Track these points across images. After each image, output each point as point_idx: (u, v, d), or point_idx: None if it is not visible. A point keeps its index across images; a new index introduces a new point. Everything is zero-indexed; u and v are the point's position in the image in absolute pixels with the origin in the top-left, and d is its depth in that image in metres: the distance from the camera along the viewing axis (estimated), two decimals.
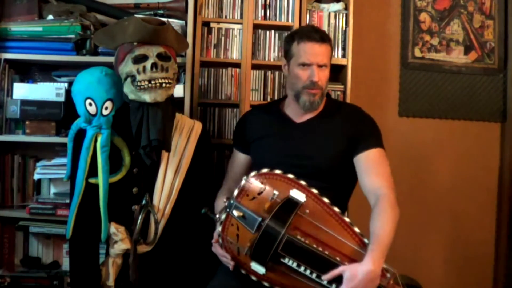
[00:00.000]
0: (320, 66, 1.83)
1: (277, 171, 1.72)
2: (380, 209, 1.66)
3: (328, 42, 1.87)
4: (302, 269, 1.56)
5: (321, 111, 1.91)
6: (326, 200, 1.67)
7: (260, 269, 1.61)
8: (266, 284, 1.63)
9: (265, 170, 1.73)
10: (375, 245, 1.57)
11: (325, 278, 1.55)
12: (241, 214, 1.65)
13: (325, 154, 1.83)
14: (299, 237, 1.60)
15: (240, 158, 2.01)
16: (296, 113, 1.92)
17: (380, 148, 1.82)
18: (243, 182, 1.72)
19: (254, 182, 1.71)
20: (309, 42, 1.83)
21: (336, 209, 1.66)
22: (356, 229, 1.63)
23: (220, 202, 1.86)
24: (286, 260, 1.58)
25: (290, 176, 1.71)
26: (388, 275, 1.57)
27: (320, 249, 1.58)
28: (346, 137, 1.83)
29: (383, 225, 1.62)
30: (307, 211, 1.64)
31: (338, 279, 1.54)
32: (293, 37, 1.88)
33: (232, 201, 1.69)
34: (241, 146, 2.01)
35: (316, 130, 1.87)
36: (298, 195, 1.66)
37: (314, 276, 1.56)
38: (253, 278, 1.66)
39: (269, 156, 1.87)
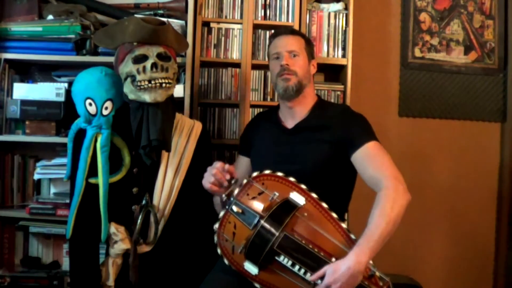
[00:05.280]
0: (290, 52, 1.89)
1: (279, 173, 1.72)
2: (376, 203, 1.65)
3: (299, 35, 1.97)
4: (296, 268, 1.56)
5: (309, 113, 1.91)
6: (325, 205, 1.67)
7: (253, 269, 1.61)
8: (257, 285, 1.63)
9: (267, 172, 1.73)
10: (362, 240, 1.56)
11: (311, 279, 1.54)
12: (240, 210, 1.66)
13: (309, 160, 1.82)
14: (296, 236, 1.60)
15: (242, 163, 2.01)
16: (286, 117, 1.94)
17: (374, 141, 1.80)
18: (244, 181, 1.72)
19: (255, 183, 1.71)
20: (278, 36, 1.96)
21: (334, 215, 1.66)
22: (352, 236, 1.62)
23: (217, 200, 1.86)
24: (281, 258, 1.57)
25: (291, 179, 1.71)
26: (381, 283, 1.55)
27: (316, 250, 1.58)
28: (335, 141, 1.82)
29: (374, 220, 1.59)
30: (306, 214, 1.63)
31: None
32: (269, 41, 2.02)
33: (232, 199, 1.69)
34: (244, 151, 2.03)
35: (304, 135, 1.87)
36: (298, 198, 1.66)
37: (308, 276, 1.55)
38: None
39: (262, 162, 1.87)
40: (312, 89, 1.96)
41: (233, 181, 1.70)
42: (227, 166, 1.71)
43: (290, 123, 1.92)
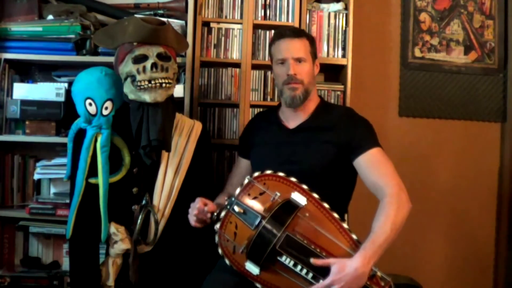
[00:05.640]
0: (296, 59, 1.86)
1: (280, 174, 1.72)
2: (381, 209, 1.66)
3: (304, 37, 1.91)
4: (298, 268, 1.56)
5: (312, 114, 1.91)
6: (326, 205, 1.67)
7: (254, 269, 1.61)
8: (258, 285, 1.63)
9: (268, 172, 1.73)
10: (368, 243, 1.57)
11: (313, 261, 1.54)
12: (242, 210, 1.66)
13: (311, 160, 1.82)
14: (298, 236, 1.60)
15: (242, 165, 2.02)
16: (288, 117, 1.93)
17: (378, 148, 1.81)
18: (246, 181, 1.73)
19: (256, 183, 1.71)
20: (282, 39, 1.89)
21: (335, 215, 1.66)
22: (354, 236, 1.63)
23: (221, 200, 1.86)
24: (283, 259, 1.58)
25: (293, 179, 1.71)
26: (383, 283, 1.56)
27: (318, 250, 1.58)
28: (338, 142, 1.82)
29: (380, 225, 1.61)
30: (307, 214, 1.64)
31: (327, 274, 1.53)
32: (272, 40, 1.95)
33: (233, 199, 1.69)
34: (244, 153, 2.03)
35: (306, 136, 1.87)
36: (299, 198, 1.66)
37: (309, 276, 1.55)
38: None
39: (262, 162, 1.86)
40: (315, 91, 1.96)
41: (214, 215, 1.72)
42: (206, 208, 1.72)
43: (292, 124, 1.92)
